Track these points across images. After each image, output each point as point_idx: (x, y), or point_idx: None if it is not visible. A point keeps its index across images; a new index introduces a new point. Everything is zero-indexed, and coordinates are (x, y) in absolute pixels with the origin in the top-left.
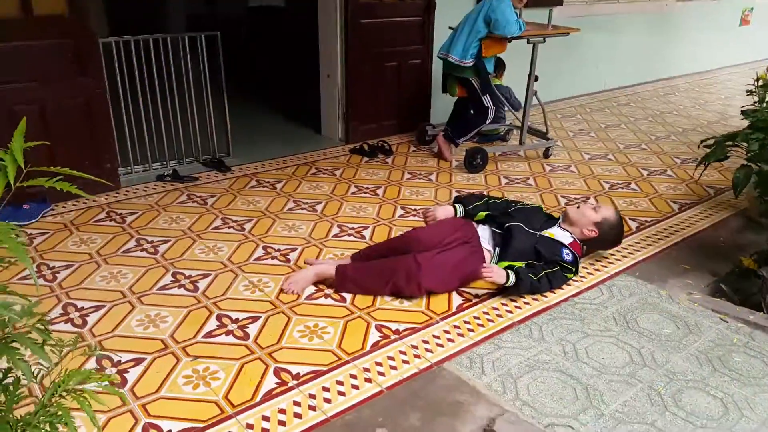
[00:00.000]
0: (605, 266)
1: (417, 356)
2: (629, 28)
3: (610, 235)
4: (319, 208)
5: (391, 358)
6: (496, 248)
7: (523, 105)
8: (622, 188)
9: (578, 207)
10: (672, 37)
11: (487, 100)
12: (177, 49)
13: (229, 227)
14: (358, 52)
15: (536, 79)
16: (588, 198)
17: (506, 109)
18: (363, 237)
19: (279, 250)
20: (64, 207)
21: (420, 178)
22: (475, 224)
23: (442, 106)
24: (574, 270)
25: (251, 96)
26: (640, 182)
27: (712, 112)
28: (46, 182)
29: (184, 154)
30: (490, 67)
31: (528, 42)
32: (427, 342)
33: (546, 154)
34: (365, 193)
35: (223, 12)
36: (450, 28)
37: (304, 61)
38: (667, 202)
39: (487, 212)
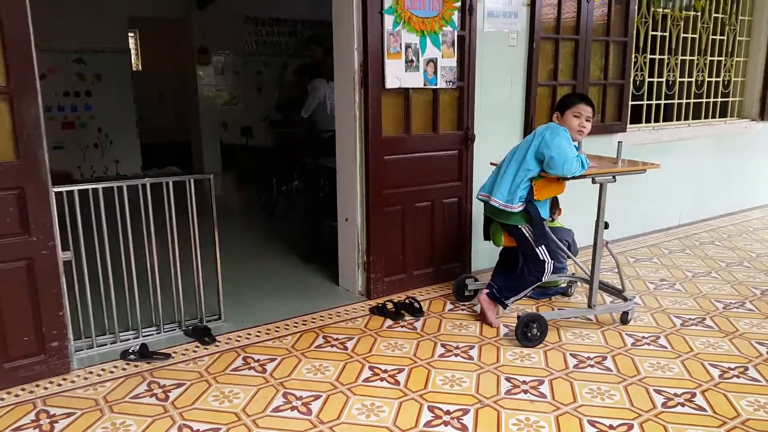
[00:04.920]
0: None
1: None
2: (704, 154)
3: None
4: (315, 406)
5: None
6: None
7: (592, 260)
8: (738, 377)
9: None
10: (754, 161)
11: (542, 252)
12: (161, 194)
13: None
14: (381, 193)
15: (606, 226)
16: (694, 395)
17: (566, 257)
18: None
19: None
20: None
21: (457, 356)
22: None
23: (485, 251)
24: None
25: (267, 236)
26: (761, 366)
27: None
28: None
29: (162, 319)
30: (544, 212)
31: (593, 182)
32: None
33: (624, 320)
34: (382, 380)
35: (257, 143)
36: (492, 164)
37: (328, 198)
38: None
39: None
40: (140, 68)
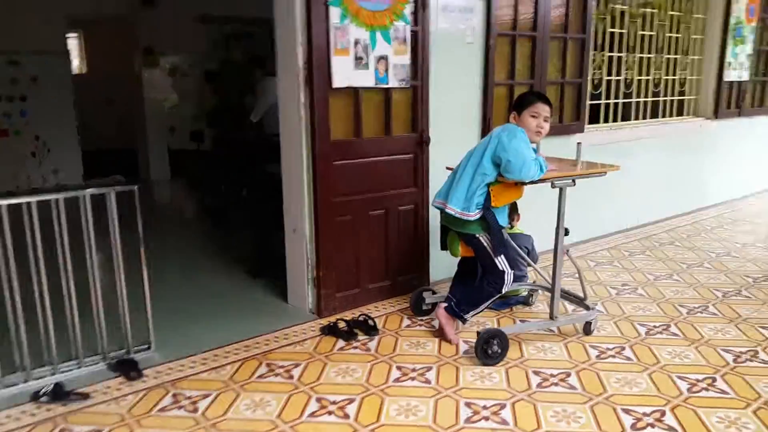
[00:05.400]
0: None
1: None
2: (661, 153)
3: None
4: None
5: None
6: None
7: (552, 269)
8: (707, 389)
9: None
10: (710, 160)
11: (501, 262)
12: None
13: None
14: (331, 201)
15: (566, 233)
16: (663, 414)
17: (527, 264)
18: None
19: None
20: None
21: (413, 379)
22: None
23: (444, 261)
24: None
25: (213, 250)
26: (729, 376)
27: None
28: None
29: (83, 352)
30: (503, 219)
31: (553, 186)
32: None
33: (587, 330)
34: (330, 413)
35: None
36: (448, 168)
37: (279, 207)
38: None
39: None
40: (85, 71)
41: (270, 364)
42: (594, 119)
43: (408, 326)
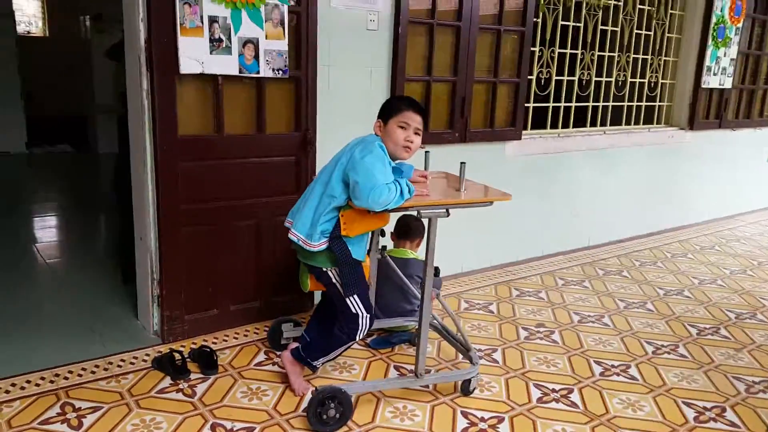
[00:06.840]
0: None
1: None
2: (622, 167)
3: None
4: None
5: None
6: None
7: (419, 318)
8: None
9: None
10: (679, 176)
11: (354, 303)
12: None
13: None
14: (179, 208)
15: (437, 272)
16: None
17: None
18: None
19: None
20: None
21: None
22: None
23: None
24: None
25: (98, 243)
26: None
27: (748, 294)
28: None
29: None
30: (359, 252)
31: (419, 215)
32: None
33: (465, 389)
34: None
35: None
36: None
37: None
38: None
39: None
40: (47, 34)
41: (66, 405)
42: (541, 125)
43: (260, 363)
